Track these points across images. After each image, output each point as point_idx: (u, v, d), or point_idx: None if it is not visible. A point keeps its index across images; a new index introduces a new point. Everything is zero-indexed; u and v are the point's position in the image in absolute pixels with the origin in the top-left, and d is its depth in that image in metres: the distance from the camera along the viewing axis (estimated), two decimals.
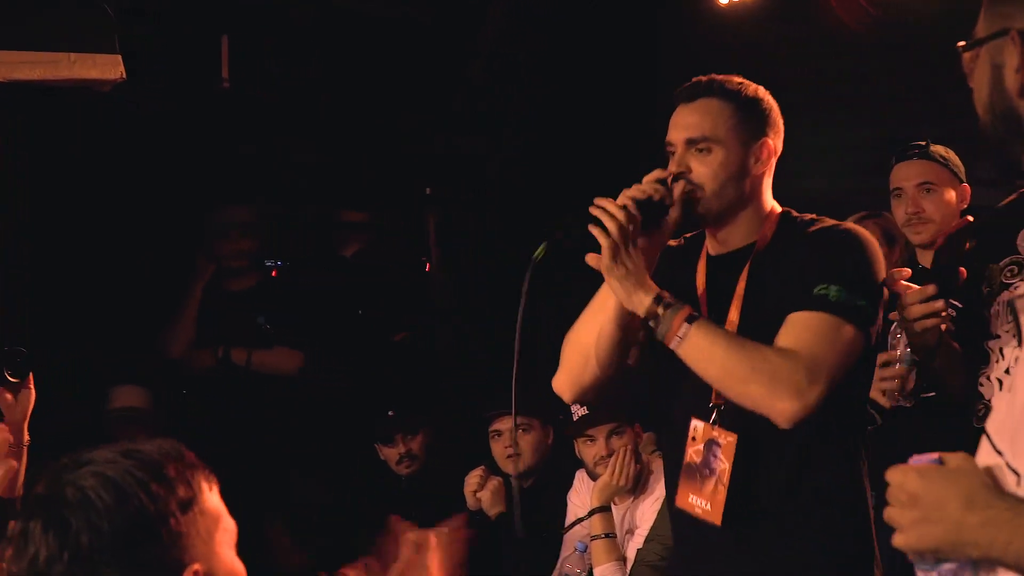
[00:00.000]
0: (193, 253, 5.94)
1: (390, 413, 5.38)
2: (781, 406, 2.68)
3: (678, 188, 2.86)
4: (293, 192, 6.58)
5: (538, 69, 6.66)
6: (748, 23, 6.39)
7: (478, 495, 4.92)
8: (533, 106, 6.75)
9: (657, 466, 4.56)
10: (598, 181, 6.94)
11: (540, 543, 4.79)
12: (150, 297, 5.95)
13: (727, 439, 2.84)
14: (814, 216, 3.04)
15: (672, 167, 2.91)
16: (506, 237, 6.62)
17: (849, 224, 3.00)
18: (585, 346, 2.97)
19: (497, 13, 6.05)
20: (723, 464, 2.83)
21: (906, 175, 4.25)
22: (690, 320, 2.73)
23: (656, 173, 2.88)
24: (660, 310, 2.74)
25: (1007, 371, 2.86)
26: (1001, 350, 2.88)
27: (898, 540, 1.72)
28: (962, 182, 4.28)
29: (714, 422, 2.88)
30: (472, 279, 6.60)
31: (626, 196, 2.81)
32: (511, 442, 4.94)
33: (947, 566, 1.74)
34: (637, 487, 4.52)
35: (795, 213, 3.06)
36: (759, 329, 2.80)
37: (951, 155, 4.30)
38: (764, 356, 2.71)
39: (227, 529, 1.94)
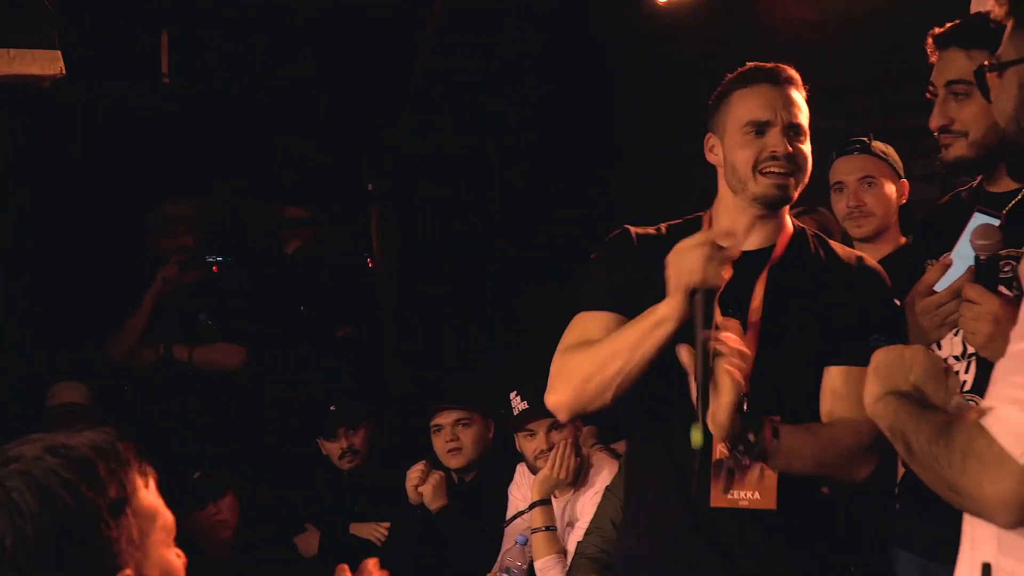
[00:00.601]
0: (135, 249, 5.92)
1: (332, 408, 5.40)
2: (858, 481, 2.86)
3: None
4: (235, 188, 6.57)
5: (484, 66, 6.68)
6: (687, 22, 6.44)
7: (420, 489, 4.93)
8: (477, 102, 6.77)
9: (597, 459, 4.61)
10: (543, 179, 7.02)
11: (481, 536, 4.82)
12: (92, 292, 5.92)
13: (772, 420, 2.79)
14: (820, 233, 3.13)
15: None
16: (448, 233, 6.65)
17: (871, 260, 3.07)
18: (608, 379, 2.84)
19: (441, 12, 6.06)
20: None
21: (847, 169, 4.29)
22: (775, 434, 2.74)
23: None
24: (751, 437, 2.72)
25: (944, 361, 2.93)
26: (939, 343, 2.94)
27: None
28: (901, 177, 4.34)
29: (745, 399, 2.77)
30: (414, 275, 6.62)
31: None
32: (452, 436, 4.97)
33: None
34: (577, 480, 4.55)
35: (797, 222, 3.12)
36: (779, 334, 2.87)
37: (891, 151, 4.36)
38: (843, 446, 2.81)
39: (164, 527, 1.88)
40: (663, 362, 2.84)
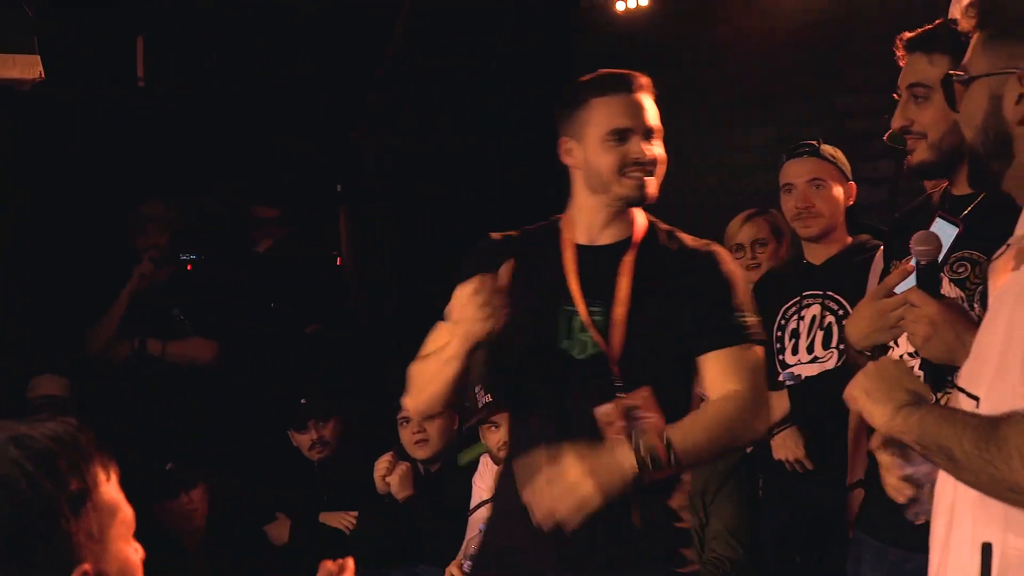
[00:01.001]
0: (113, 245, 5.99)
1: (302, 401, 5.52)
2: (759, 434, 3.19)
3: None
4: (208, 187, 6.64)
5: (450, 67, 6.75)
6: (644, 28, 6.54)
7: (387, 479, 5.02)
8: (445, 103, 6.84)
9: None
10: (506, 178, 7.09)
11: (447, 525, 4.94)
12: (70, 287, 6.00)
13: (642, 393, 3.01)
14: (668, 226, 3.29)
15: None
16: (415, 231, 6.73)
17: (710, 241, 3.26)
18: (430, 397, 3.14)
19: (409, 13, 6.14)
20: (652, 416, 2.99)
21: (797, 171, 4.36)
22: (663, 439, 2.91)
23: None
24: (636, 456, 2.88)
25: (900, 358, 3.05)
26: (896, 340, 3.04)
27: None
28: (849, 180, 4.41)
29: (619, 393, 3.02)
30: (382, 272, 6.69)
31: None
32: (419, 428, 5.08)
33: (923, 467, 2.17)
34: None
35: (649, 217, 3.28)
36: (646, 308, 3.07)
37: (839, 154, 4.43)
38: (729, 419, 3.03)
39: (124, 521, 1.82)
40: (533, 381, 3.12)
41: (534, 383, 3.14)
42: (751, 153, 6.76)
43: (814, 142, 4.42)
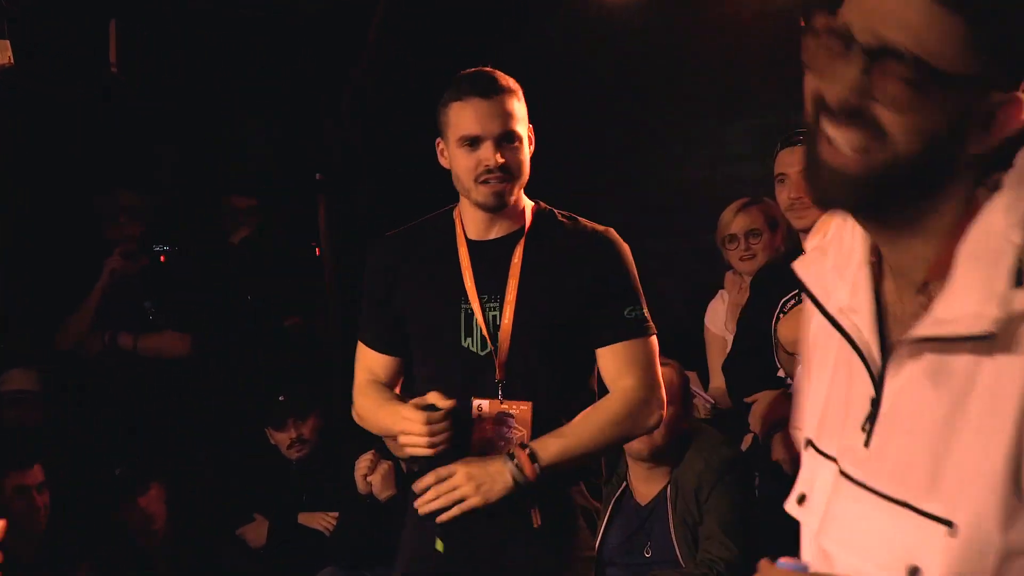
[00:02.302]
0: (85, 237, 5.88)
1: (281, 398, 5.39)
2: (651, 427, 3.24)
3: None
4: (180, 177, 6.54)
5: (423, 58, 6.68)
6: (629, 15, 6.48)
7: (369, 479, 4.93)
8: (418, 94, 6.77)
9: None
10: None
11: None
12: (42, 280, 5.89)
13: (520, 408, 3.10)
14: (565, 213, 3.30)
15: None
16: (397, 222, 6.65)
17: (606, 228, 3.26)
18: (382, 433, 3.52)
19: (384, 7, 6.07)
20: (520, 431, 3.10)
21: (791, 161, 4.27)
22: (533, 458, 3.05)
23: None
24: (515, 474, 3.05)
25: None
26: None
27: None
28: None
29: (500, 396, 3.12)
30: (362, 263, 6.61)
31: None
32: None
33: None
34: None
35: (543, 204, 3.29)
36: (533, 308, 3.12)
37: None
38: (616, 417, 3.15)
39: None
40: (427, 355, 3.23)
41: (436, 378, 3.19)
42: (737, 143, 6.69)
43: None
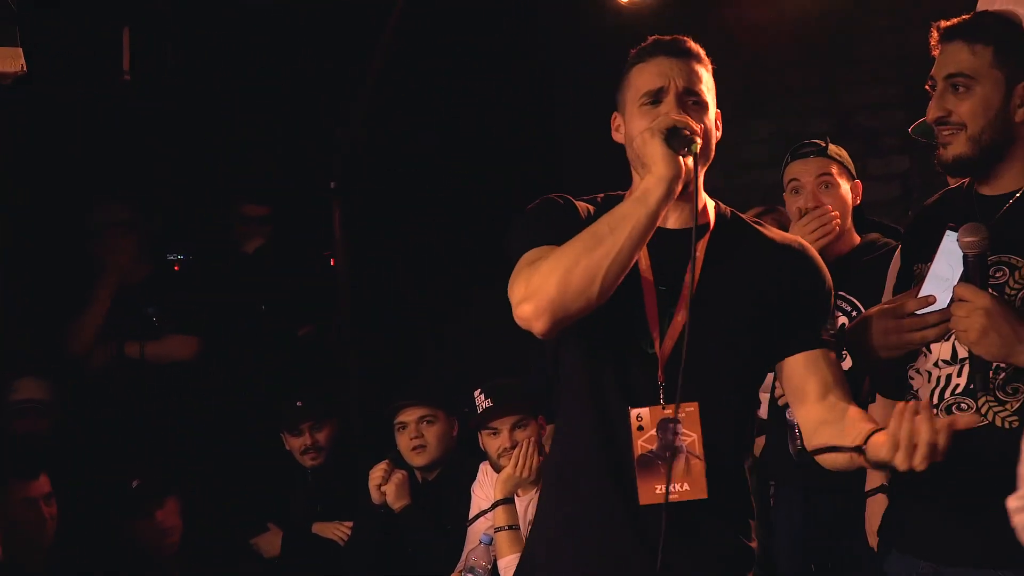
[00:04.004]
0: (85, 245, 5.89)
1: (298, 403, 5.38)
2: None
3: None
4: (190, 186, 6.54)
5: (440, 66, 6.68)
6: (645, 21, 6.45)
7: (383, 488, 4.91)
8: (437, 102, 6.77)
9: None
10: (497, 179, 7.03)
11: (445, 536, 4.82)
12: (52, 289, 5.88)
13: (687, 410, 2.76)
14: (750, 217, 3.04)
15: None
16: (411, 231, 6.64)
17: (806, 243, 3.01)
18: (595, 266, 2.60)
19: (399, 12, 6.05)
20: (690, 436, 2.77)
21: (804, 170, 4.27)
22: None
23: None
24: None
25: (937, 364, 2.95)
26: (929, 345, 2.92)
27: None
28: (854, 178, 4.34)
29: (662, 401, 2.78)
30: (377, 272, 6.61)
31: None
32: (416, 433, 4.97)
33: None
34: (540, 479, 4.46)
35: (723, 206, 3.00)
36: (712, 313, 2.79)
37: (844, 153, 4.36)
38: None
39: None
40: (584, 357, 2.81)
41: (593, 382, 2.84)
42: (755, 148, 6.68)
43: (820, 141, 4.34)
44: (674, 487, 2.76)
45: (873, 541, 3.97)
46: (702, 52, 2.88)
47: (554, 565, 2.90)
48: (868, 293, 3.78)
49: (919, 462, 2.47)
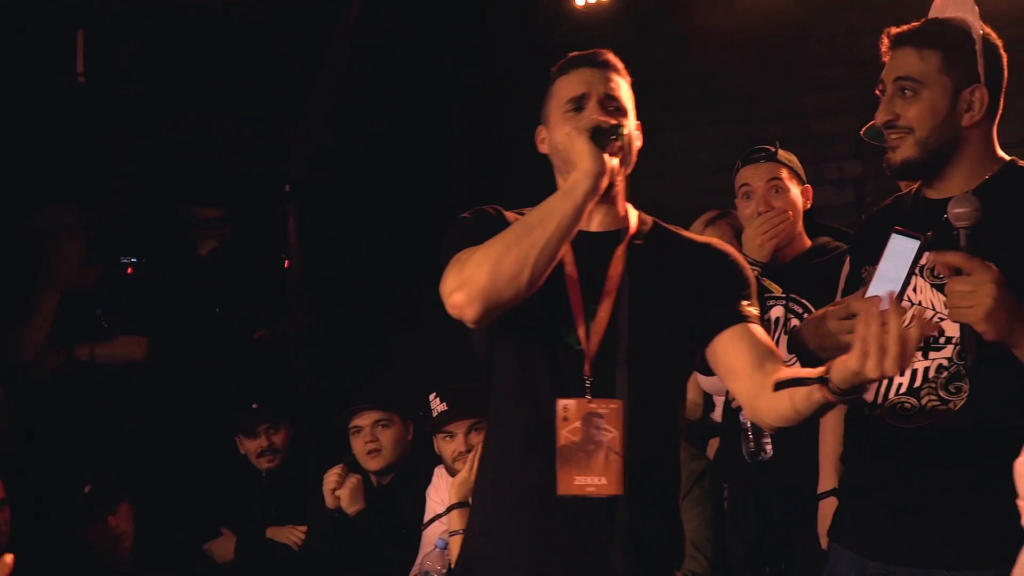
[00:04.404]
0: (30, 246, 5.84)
1: (254, 406, 5.36)
2: None
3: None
4: (148, 189, 6.51)
5: (389, 69, 6.68)
6: (601, 24, 6.47)
7: (337, 493, 4.89)
8: (392, 106, 6.77)
9: None
10: (451, 183, 7.04)
11: (399, 540, 4.81)
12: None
13: (610, 407, 2.84)
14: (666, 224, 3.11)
15: None
16: (366, 233, 6.63)
17: (721, 242, 3.08)
18: (524, 256, 2.69)
19: (351, 16, 6.05)
20: (611, 432, 2.84)
21: (754, 175, 4.29)
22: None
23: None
24: None
25: None
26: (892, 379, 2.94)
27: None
28: (804, 182, 4.36)
29: (589, 395, 2.85)
30: (331, 275, 6.60)
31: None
32: (371, 437, 4.96)
33: None
34: None
35: (644, 215, 3.09)
36: (631, 321, 2.86)
37: (794, 158, 4.38)
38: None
39: None
40: (514, 348, 2.88)
41: (522, 376, 2.92)
42: (709, 153, 6.71)
43: (770, 147, 4.37)
44: (592, 480, 2.84)
45: (825, 543, 4.01)
46: (620, 64, 3.00)
47: (489, 556, 2.97)
48: (819, 296, 3.80)
49: (891, 365, 2.36)
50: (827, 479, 3.98)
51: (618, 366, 2.85)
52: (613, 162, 2.81)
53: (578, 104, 2.92)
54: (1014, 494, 2.37)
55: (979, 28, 2.99)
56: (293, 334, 6.46)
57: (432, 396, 4.67)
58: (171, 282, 6.12)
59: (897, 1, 3.90)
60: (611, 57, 2.99)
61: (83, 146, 6.17)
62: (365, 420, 4.97)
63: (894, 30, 3.03)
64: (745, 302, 2.91)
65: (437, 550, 4.34)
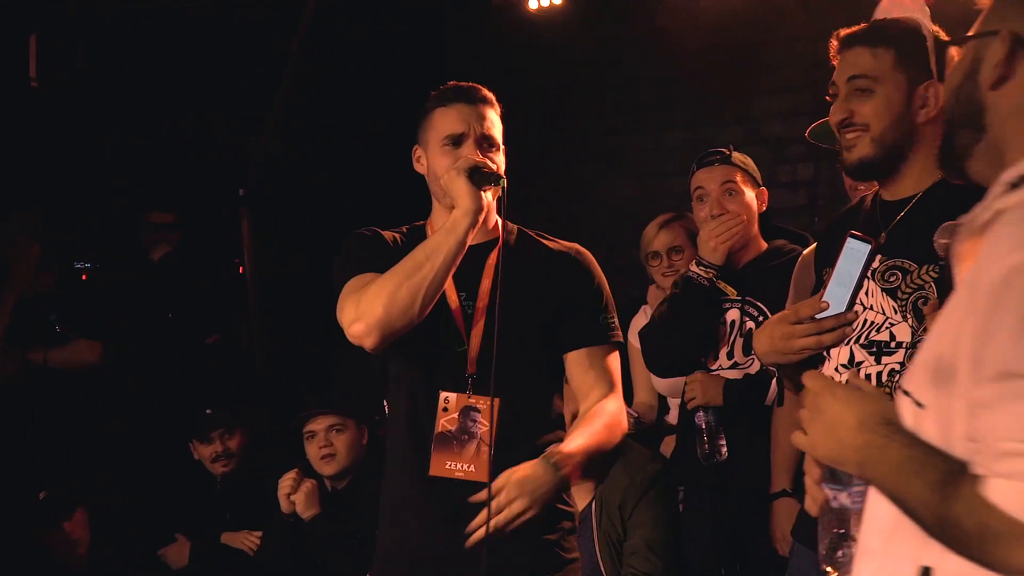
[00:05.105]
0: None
1: (208, 411, 5.33)
2: (623, 435, 3.33)
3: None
4: (99, 194, 6.47)
5: (345, 76, 6.67)
6: (558, 28, 6.48)
7: (292, 498, 4.86)
8: (347, 111, 6.75)
9: None
10: (404, 188, 7.05)
11: (355, 545, 4.79)
12: None
13: (487, 403, 3.13)
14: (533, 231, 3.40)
15: None
16: (321, 238, 6.60)
17: (582, 248, 3.39)
18: (415, 290, 3.02)
19: (306, 22, 6.03)
20: (484, 427, 3.15)
21: (708, 178, 4.31)
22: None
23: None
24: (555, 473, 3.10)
25: (836, 369, 2.96)
26: (828, 350, 2.93)
27: (801, 440, 1.98)
28: (760, 185, 4.38)
29: (469, 391, 3.17)
30: (286, 280, 6.57)
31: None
32: (325, 442, 4.95)
33: (856, 488, 2.00)
34: None
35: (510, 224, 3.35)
36: (506, 307, 3.13)
37: (749, 161, 4.40)
38: (610, 419, 3.24)
39: None
40: (404, 340, 3.12)
41: (410, 372, 3.26)
42: (668, 156, 6.72)
43: (724, 150, 4.40)
44: (462, 466, 3.17)
45: (779, 544, 4.02)
46: (493, 98, 3.29)
47: (388, 533, 3.38)
48: (775, 298, 3.81)
49: None
50: (779, 479, 4.00)
51: (495, 366, 3.06)
52: (487, 197, 3.11)
53: (456, 141, 3.20)
54: None
55: (929, 26, 3.00)
56: (248, 339, 6.42)
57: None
58: (124, 287, 6.08)
59: (854, 5, 3.91)
60: (487, 93, 3.28)
61: (36, 151, 6.12)
62: (319, 425, 4.95)
63: (844, 31, 3.03)
64: (598, 316, 3.28)
65: None
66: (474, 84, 3.28)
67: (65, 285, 5.89)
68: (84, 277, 6.14)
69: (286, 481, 4.89)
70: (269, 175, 6.27)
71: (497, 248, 3.22)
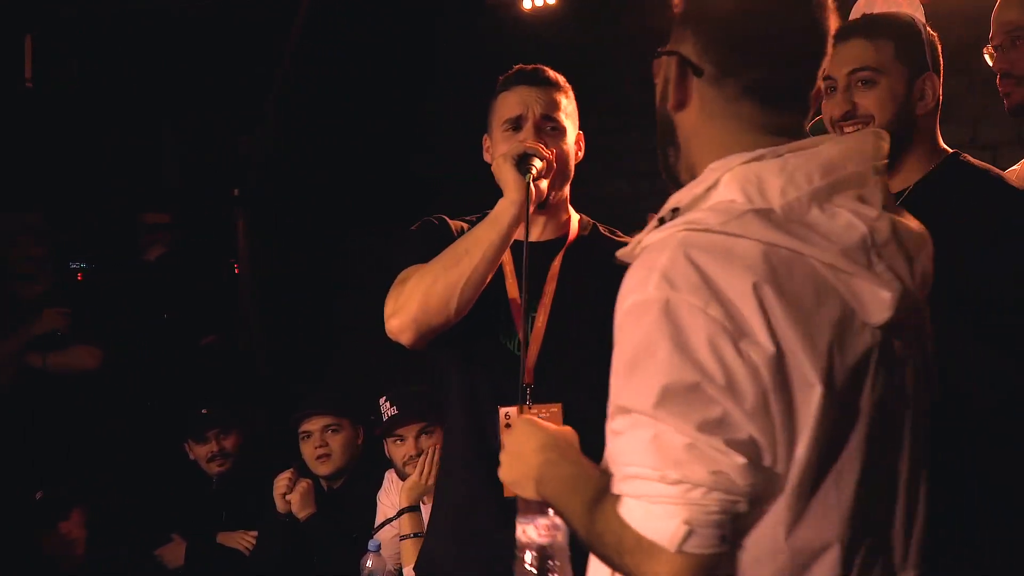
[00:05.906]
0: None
1: (204, 411, 5.34)
2: None
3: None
4: (95, 194, 6.47)
5: (340, 76, 6.67)
6: (550, 27, 6.49)
7: (288, 497, 4.86)
8: (341, 111, 6.76)
9: None
10: (399, 188, 7.04)
11: (350, 545, 4.79)
12: None
13: (550, 411, 2.92)
14: (609, 227, 3.21)
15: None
16: (316, 238, 6.62)
17: None
18: (452, 285, 2.85)
19: (300, 22, 6.04)
20: None
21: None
22: None
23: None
24: None
25: None
26: None
27: (500, 472, 2.15)
28: None
29: (528, 402, 2.95)
30: (282, 280, 6.58)
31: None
32: (321, 442, 4.95)
33: (542, 520, 2.08)
34: None
35: (586, 217, 3.20)
36: (566, 329, 2.98)
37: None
38: None
39: None
40: (461, 354, 3.02)
41: (468, 376, 3.07)
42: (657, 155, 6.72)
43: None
44: None
45: None
46: (561, 80, 3.12)
47: (443, 555, 3.13)
48: None
49: None
50: None
51: (556, 373, 2.95)
52: (542, 185, 2.94)
53: (515, 125, 3.05)
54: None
55: (922, 20, 3.00)
56: (244, 339, 6.43)
57: (382, 400, 4.66)
58: (119, 288, 6.08)
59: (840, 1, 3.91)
60: (552, 74, 3.10)
61: (31, 153, 6.13)
62: (314, 425, 4.95)
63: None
64: None
65: (371, 552, 4.31)
66: (539, 66, 3.12)
67: (65, 285, 5.88)
68: (80, 277, 6.14)
69: (281, 481, 4.89)
70: (267, 175, 6.28)
71: (564, 247, 3.08)
